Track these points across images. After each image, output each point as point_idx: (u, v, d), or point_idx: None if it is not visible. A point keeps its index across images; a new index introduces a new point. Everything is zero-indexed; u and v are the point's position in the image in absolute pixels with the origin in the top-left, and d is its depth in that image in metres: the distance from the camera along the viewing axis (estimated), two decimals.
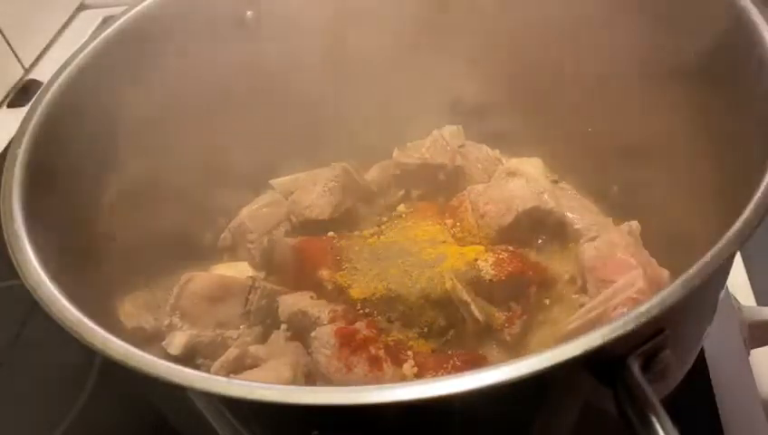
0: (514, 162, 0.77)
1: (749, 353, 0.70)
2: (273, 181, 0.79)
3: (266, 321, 0.67)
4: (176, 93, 0.69)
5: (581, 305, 0.63)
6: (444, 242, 0.67)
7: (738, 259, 0.77)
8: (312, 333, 0.60)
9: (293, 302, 0.65)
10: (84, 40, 0.63)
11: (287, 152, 0.79)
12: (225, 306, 0.66)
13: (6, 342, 0.80)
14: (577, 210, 0.71)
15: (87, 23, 1.31)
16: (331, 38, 0.75)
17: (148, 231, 0.66)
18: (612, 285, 0.60)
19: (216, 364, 0.62)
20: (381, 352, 0.57)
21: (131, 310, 0.62)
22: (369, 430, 0.42)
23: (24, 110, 0.58)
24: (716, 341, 0.66)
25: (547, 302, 0.66)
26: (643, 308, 0.38)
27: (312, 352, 0.59)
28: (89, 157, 0.60)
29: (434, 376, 0.56)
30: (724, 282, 0.57)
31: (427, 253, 0.65)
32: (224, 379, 0.39)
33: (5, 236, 0.49)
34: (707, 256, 0.40)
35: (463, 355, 0.59)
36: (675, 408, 0.39)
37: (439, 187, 0.76)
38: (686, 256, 0.41)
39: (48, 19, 1.28)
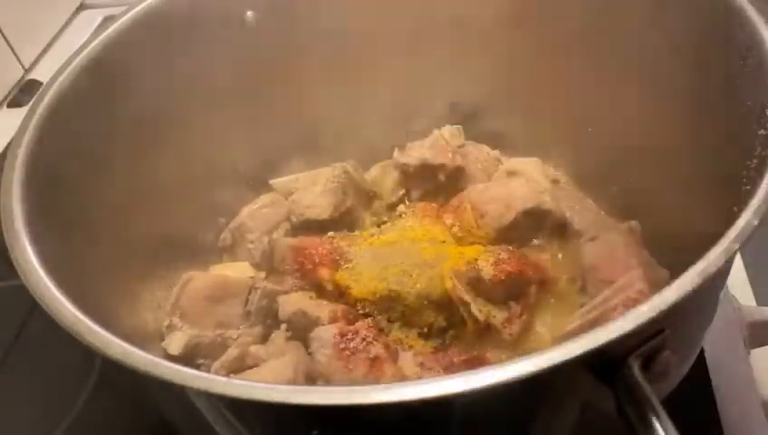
0: (514, 162, 0.77)
1: (749, 353, 0.70)
2: (273, 181, 0.79)
3: (266, 321, 0.67)
4: (176, 93, 0.69)
5: (581, 305, 0.63)
6: (444, 242, 0.67)
7: (738, 259, 0.77)
8: (312, 333, 0.60)
9: (293, 302, 0.65)
10: (84, 40, 0.63)
11: (287, 152, 0.80)
12: (225, 306, 0.66)
13: (6, 342, 0.80)
14: (577, 210, 0.71)
15: (87, 23, 1.30)
16: (331, 39, 0.75)
17: (148, 231, 0.66)
18: (612, 285, 0.60)
19: (216, 364, 0.62)
20: (381, 352, 0.57)
21: (132, 310, 0.62)
22: (369, 430, 0.42)
23: (24, 110, 0.58)
24: (716, 341, 0.66)
25: (547, 302, 0.66)
26: (643, 308, 0.38)
27: (312, 353, 0.59)
28: (89, 157, 0.60)
29: (434, 376, 0.56)
30: (725, 282, 0.58)
31: (427, 253, 0.65)
32: (224, 379, 0.39)
33: (5, 236, 0.49)
34: (707, 256, 0.40)
35: (463, 355, 0.59)
36: (675, 408, 0.39)
37: (439, 187, 0.76)
38: (686, 256, 0.41)
39: (48, 19, 1.28)
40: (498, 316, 0.62)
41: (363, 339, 0.58)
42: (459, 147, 0.79)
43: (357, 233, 0.73)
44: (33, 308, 0.76)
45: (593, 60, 0.69)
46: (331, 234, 0.71)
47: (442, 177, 0.75)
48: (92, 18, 1.31)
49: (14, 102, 1.17)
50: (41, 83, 1.16)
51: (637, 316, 0.37)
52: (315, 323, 0.62)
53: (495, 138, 0.80)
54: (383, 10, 0.74)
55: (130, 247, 0.63)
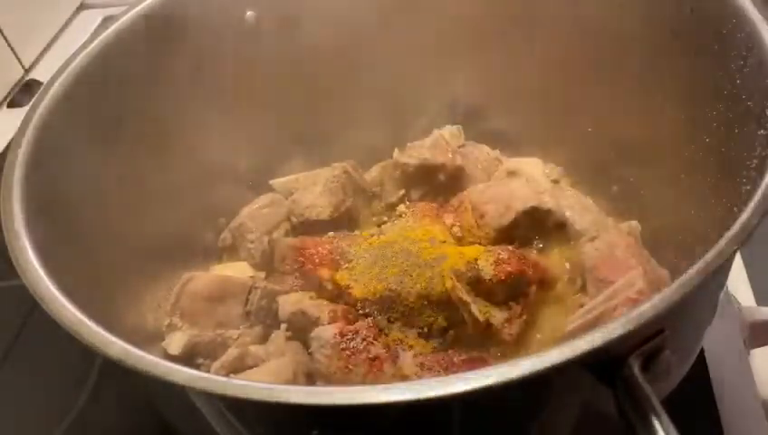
0: (514, 162, 0.77)
1: (749, 353, 0.70)
2: (273, 181, 0.79)
3: (266, 321, 0.67)
4: (175, 93, 0.69)
5: (581, 305, 0.63)
6: (444, 242, 0.67)
7: (738, 259, 0.77)
8: (312, 333, 0.60)
9: (293, 302, 0.65)
10: (84, 40, 0.63)
11: (287, 152, 0.80)
12: (225, 306, 0.66)
13: (6, 342, 0.80)
14: (577, 210, 0.71)
15: (87, 23, 1.31)
16: (331, 39, 0.75)
17: (148, 231, 0.66)
18: (612, 285, 0.60)
19: (216, 364, 0.62)
20: (381, 352, 0.57)
21: (132, 310, 0.62)
22: (369, 430, 0.42)
23: (24, 110, 0.58)
24: (716, 341, 0.66)
25: (547, 302, 0.66)
26: (643, 308, 0.38)
27: (312, 353, 0.59)
28: (88, 157, 0.60)
29: (434, 376, 0.56)
30: (724, 282, 0.58)
31: (427, 253, 0.65)
32: (224, 379, 0.39)
33: (5, 236, 0.49)
34: (707, 256, 0.40)
35: (463, 355, 0.59)
36: (675, 408, 0.39)
37: (439, 187, 0.76)
38: (686, 256, 0.41)
39: (48, 19, 1.28)
40: (498, 316, 0.62)
41: (363, 339, 0.58)
42: (459, 147, 0.79)
43: (357, 233, 0.73)
44: (33, 308, 0.76)
45: (593, 60, 0.69)
46: (331, 234, 0.71)
47: (442, 177, 0.75)
48: (92, 18, 1.31)
49: (14, 102, 1.17)
50: (41, 83, 1.16)
51: (637, 316, 0.37)
52: (315, 323, 0.62)
53: (495, 138, 0.80)
54: (383, 10, 0.74)
55: (130, 247, 0.63)
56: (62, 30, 1.30)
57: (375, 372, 0.56)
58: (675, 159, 0.62)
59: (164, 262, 0.68)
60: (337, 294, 0.65)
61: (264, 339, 0.66)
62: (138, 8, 0.66)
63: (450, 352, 0.60)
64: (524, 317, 0.63)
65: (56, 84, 0.59)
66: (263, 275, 0.72)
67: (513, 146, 0.80)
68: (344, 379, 0.56)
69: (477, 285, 0.63)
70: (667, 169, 0.64)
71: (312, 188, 0.74)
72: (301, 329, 0.63)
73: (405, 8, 0.75)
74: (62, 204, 0.56)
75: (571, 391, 0.42)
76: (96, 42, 0.63)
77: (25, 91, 1.18)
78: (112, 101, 0.63)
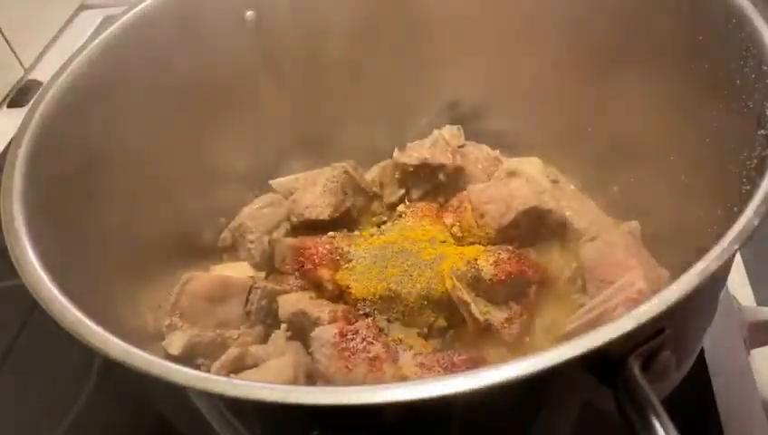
0: (514, 162, 0.77)
1: (749, 353, 0.70)
2: (273, 181, 0.79)
3: (266, 321, 0.67)
4: (176, 93, 0.69)
5: (581, 305, 0.63)
6: (444, 242, 0.67)
7: (738, 259, 0.77)
8: (312, 333, 0.60)
9: (293, 302, 0.65)
10: (84, 40, 0.63)
11: (287, 152, 0.80)
12: (225, 306, 0.66)
13: (6, 342, 0.80)
14: (577, 210, 0.71)
15: (87, 23, 1.31)
16: (331, 38, 0.75)
17: (148, 231, 0.66)
18: (612, 285, 0.60)
19: (216, 364, 0.62)
20: (381, 352, 0.57)
21: (132, 310, 0.62)
22: (369, 430, 0.42)
23: (24, 110, 0.58)
24: (716, 341, 0.66)
25: (547, 302, 0.66)
26: (643, 308, 0.38)
27: (312, 352, 0.59)
28: (89, 157, 0.60)
29: (434, 376, 0.56)
30: (725, 282, 0.58)
31: (427, 253, 0.65)
32: (224, 379, 0.39)
33: (5, 236, 0.49)
34: (707, 256, 0.40)
35: (463, 355, 0.59)
36: (675, 408, 0.39)
37: (439, 187, 0.76)
38: (686, 256, 0.41)
39: (48, 19, 1.28)
40: (498, 316, 0.62)
41: (363, 339, 0.58)
42: (459, 147, 0.79)
43: (357, 233, 0.73)
44: (33, 308, 0.76)
45: (593, 60, 0.69)
46: (331, 234, 0.71)
47: (442, 177, 0.75)
48: (92, 18, 1.31)
49: (14, 102, 1.17)
50: (41, 83, 1.16)
51: (637, 316, 0.37)
52: (315, 323, 0.62)
53: (495, 138, 0.80)
54: (384, 10, 0.74)
55: (130, 247, 0.63)
56: (62, 30, 1.30)
57: (375, 372, 0.56)
58: (675, 159, 0.62)
59: (164, 262, 0.68)
60: (337, 294, 0.65)
61: (264, 339, 0.66)
62: (138, 8, 0.66)
63: (450, 352, 0.60)
64: (524, 317, 0.63)
65: (56, 84, 0.59)
66: (263, 275, 0.72)
67: (513, 146, 0.80)
68: (344, 379, 0.56)
69: (477, 285, 0.63)
70: (667, 169, 0.64)
71: (311, 189, 0.74)
72: (301, 329, 0.63)
73: (405, 8, 0.75)
74: (62, 204, 0.56)
75: (571, 391, 0.42)
76: (96, 42, 0.63)
77: (25, 91, 1.18)
78: (112, 102, 0.63)
